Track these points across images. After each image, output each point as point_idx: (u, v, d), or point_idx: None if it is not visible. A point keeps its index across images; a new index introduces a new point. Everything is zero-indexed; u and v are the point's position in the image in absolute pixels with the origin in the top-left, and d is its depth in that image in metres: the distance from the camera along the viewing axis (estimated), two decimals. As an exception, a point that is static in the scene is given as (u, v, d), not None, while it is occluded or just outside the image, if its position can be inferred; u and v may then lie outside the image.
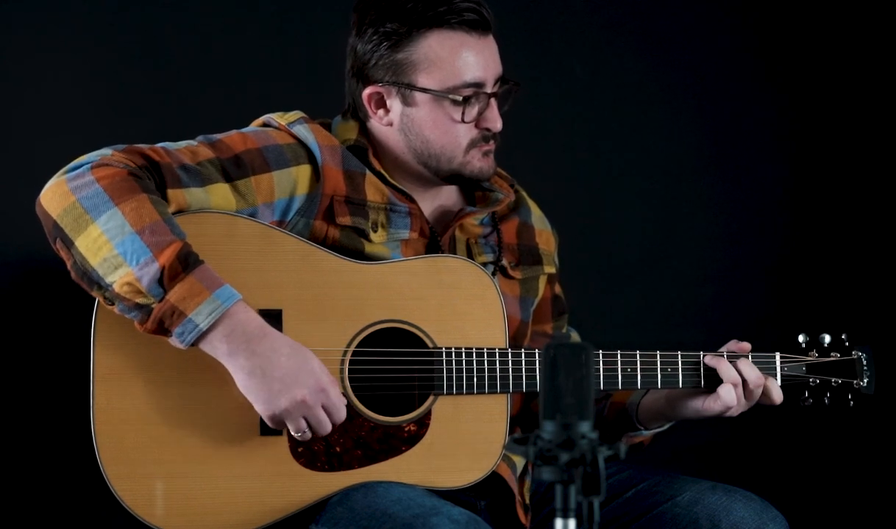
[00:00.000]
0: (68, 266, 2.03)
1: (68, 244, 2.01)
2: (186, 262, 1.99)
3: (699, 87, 3.29)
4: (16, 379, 2.64)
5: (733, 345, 2.29)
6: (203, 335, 2.00)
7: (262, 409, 2.04)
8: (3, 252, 2.68)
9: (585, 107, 3.24)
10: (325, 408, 2.05)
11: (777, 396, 2.26)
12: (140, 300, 1.99)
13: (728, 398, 2.22)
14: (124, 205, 2.00)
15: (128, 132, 2.23)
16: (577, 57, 3.22)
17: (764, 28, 3.32)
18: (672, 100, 3.28)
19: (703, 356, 2.25)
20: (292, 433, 2.07)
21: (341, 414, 2.07)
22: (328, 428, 2.07)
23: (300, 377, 2.03)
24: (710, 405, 2.25)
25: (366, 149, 2.26)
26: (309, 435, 2.07)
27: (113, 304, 2.02)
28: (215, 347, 2.01)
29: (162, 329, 2.00)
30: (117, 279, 1.99)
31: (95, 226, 2.00)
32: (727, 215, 3.30)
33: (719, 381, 2.23)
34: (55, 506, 2.65)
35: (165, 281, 1.98)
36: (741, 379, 2.23)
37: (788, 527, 2.21)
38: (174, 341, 2.01)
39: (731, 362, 2.24)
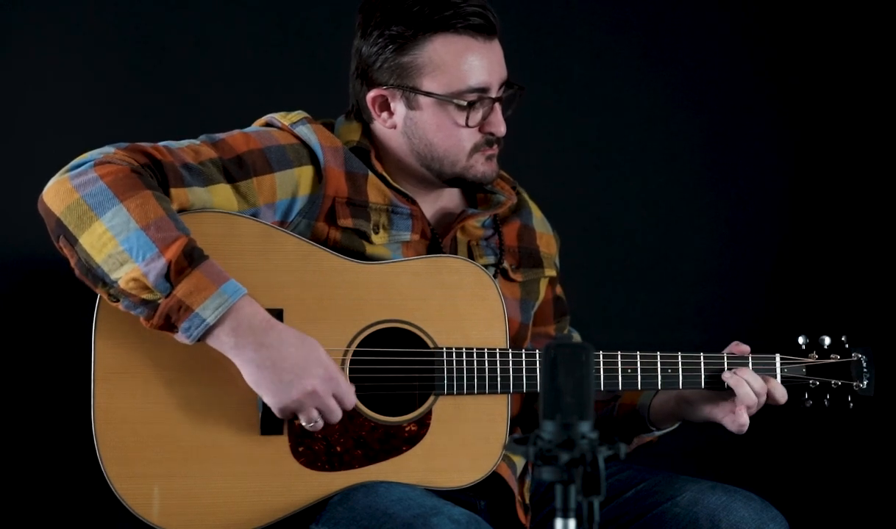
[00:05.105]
0: (72, 263, 2.03)
1: (72, 241, 2.01)
2: (192, 257, 1.99)
3: (699, 88, 3.29)
4: (16, 379, 2.64)
5: (733, 348, 2.29)
6: (210, 329, 2.00)
7: (272, 401, 2.04)
8: (4, 252, 2.68)
9: (585, 107, 3.24)
10: (335, 396, 2.06)
11: (781, 395, 2.26)
12: (146, 296, 1.99)
13: (743, 420, 2.24)
14: (129, 202, 2.00)
15: (129, 132, 2.23)
16: (576, 58, 3.22)
17: (764, 29, 3.32)
18: (672, 101, 3.28)
19: (726, 364, 2.25)
20: (303, 423, 2.07)
21: (351, 400, 2.07)
22: (339, 415, 2.07)
23: (309, 367, 2.03)
24: (727, 422, 2.26)
25: (368, 150, 2.26)
26: (321, 424, 2.07)
27: (118, 301, 2.01)
28: (222, 341, 2.01)
29: (168, 324, 2.00)
30: (123, 275, 1.98)
31: (100, 222, 2.00)
32: (727, 215, 3.30)
33: (721, 383, 2.24)
34: (55, 506, 2.65)
35: (172, 276, 1.98)
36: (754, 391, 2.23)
37: (788, 527, 2.21)
38: (180, 336, 2.01)
39: (742, 379, 2.23)
